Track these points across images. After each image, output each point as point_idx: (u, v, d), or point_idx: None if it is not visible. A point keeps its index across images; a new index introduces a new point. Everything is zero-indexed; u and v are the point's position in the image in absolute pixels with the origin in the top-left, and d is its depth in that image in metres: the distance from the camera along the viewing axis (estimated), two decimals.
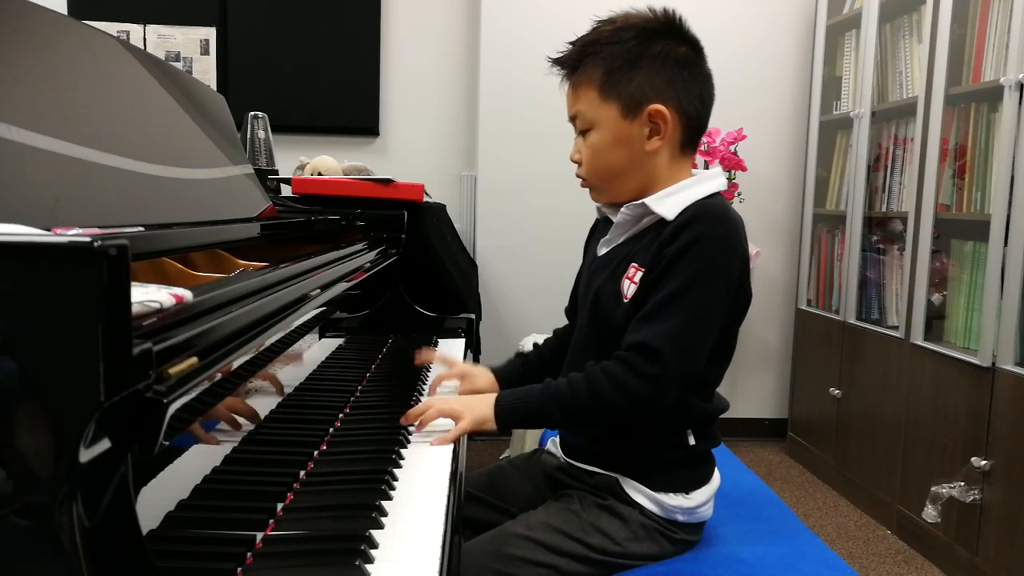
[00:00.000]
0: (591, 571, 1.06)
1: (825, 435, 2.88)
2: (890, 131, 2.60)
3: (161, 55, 2.88)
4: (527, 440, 2.50)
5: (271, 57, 3.14)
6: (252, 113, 2.08)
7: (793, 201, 3.21)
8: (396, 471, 0.89)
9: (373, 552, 0.69)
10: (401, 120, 3.29)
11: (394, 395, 1.21)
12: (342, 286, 1.14)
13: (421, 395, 1.23)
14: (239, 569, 0.64)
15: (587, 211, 1.27)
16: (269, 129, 2.11)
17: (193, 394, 0.55)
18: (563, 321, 1.34)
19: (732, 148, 2.93)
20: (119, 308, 0.44)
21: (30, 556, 0.43)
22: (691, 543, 1.12)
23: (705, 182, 1.10)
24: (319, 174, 2.07)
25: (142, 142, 0.96)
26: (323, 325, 1.52)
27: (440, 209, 2.32)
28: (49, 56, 0.84)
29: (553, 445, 1.23)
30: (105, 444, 0.45)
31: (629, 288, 1.08)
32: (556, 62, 1.13)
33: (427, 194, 2.00)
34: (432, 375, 1.32)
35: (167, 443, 0.51)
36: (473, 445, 2.91)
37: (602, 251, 1.17)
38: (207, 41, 3.12)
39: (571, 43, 1.12)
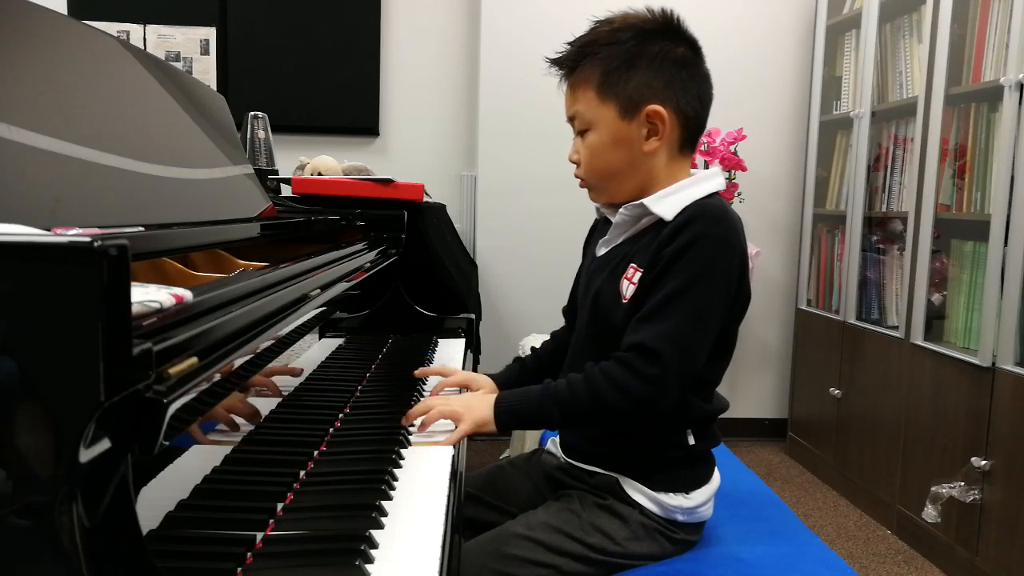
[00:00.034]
0: (591, 571, 1.06)
1: (825, 435, 2.88)
2: (890, 131, 2.60)
3: (161, 55, 2.88)
4: (527, 440, 2.50)
5: (271, 57, 3.14)
6: (252, 113, 2.08)
7: (793, 201, 3.21)
8: (396, 471, 0.89)
9: (373, 552, 0.69)
10: (401, 120, 3.29)
11: (394, 395, 1.21)
12: (342, 286, 1.14)
13: (421, 395, 1.23)
14: (239, 569, 0.64)
15: (587, 211, 1.27)
16: (269, 129, 2.10)
17: (193, 394, 0.55)
18: (563, 321, 1.34)
19: (732, 148, 2.93)
20: (119, 308, 0.44)
21: (30, 556, 0.43)
22: (691, 543, 1.12)
23: (703, 182, 1.10)
24: (319, 174, 2.07)
25: (142, 142, 0.96)
26: (323, 325, 1.52)
27: (440, 209, 2.32)
28: (49, 56, 0.84)
29: (553, 445, 1.23)
30: (105, 444, 0.45)
31: (628, 289, 1.08)
32: (554, 62, 1.13)
33: (427, 194, 2.00)
34: (432, 379, 1.31)
35: (167, 443, 0.51)
36: (473, 445, 2.91)
37: (601, 251, 1.17)
38: (207, 41, 3.12)
39: (569, 43, 1.12)
